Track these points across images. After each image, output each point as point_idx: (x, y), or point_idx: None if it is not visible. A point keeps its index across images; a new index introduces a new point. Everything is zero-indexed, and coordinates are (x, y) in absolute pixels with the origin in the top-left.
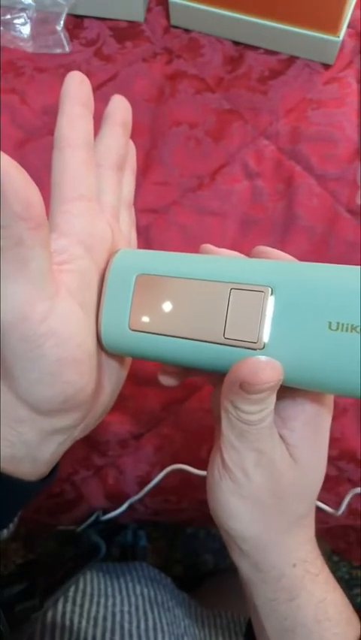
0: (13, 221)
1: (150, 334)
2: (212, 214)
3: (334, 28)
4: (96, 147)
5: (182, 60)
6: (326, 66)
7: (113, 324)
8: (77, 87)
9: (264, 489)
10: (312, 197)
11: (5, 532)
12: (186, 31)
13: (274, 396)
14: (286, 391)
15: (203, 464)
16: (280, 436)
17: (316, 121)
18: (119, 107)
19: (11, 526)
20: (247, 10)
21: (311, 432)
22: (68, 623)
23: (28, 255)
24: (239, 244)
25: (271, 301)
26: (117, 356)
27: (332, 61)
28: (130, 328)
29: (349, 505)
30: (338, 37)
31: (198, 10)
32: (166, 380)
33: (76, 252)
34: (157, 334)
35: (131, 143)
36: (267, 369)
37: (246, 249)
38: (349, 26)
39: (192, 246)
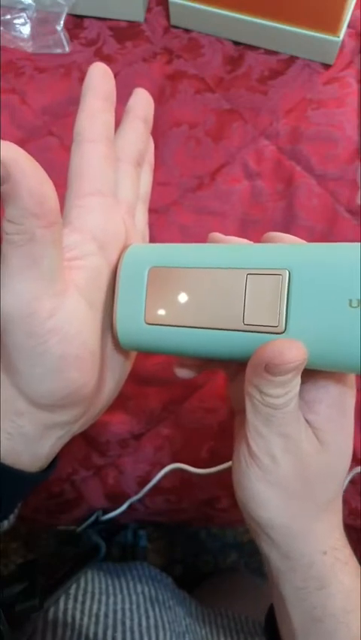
0: (27, 219)
1: (167, 327)
2: (212, 214)
3: (334, 28)
4: (116, 141)
5: (182, 60)
6: (326, 66)
7: (128, 320)
8: (99, 80)
9: (292, 474)
10: (312, 197)
11: (6, 523)
12: (186, 31)
13: (298, 378)
14: (309, 375)
15: (203, 464)
16: (306, 420)
17: (316, 121)
18: (142, 101)
19: (12, 517)
20: (247, 10)
21: (336, 413)
22: (69, 620)
23: (40, 252)
24: None
25: (289, 283)
26: (122, 354)
27: (332, 61)
28: (146, 322)
29: (349, 503)
30: (338, 37)
31: (198, 10)
32: (183, 373)
33: (88, 248)
34: (174, 326)
35: (150, 138)
36: (292, 348)
37: (248, 240)
38: (349, 26)
39: None
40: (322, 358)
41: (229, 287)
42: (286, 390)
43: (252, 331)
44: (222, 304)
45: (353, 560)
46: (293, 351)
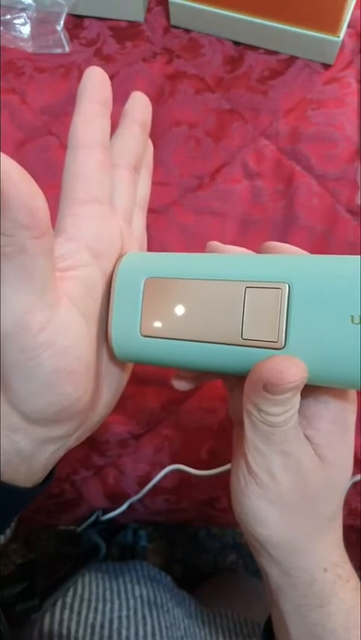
0: (17, 230)
1: (163, 339)
2: (212, 214)
3: (334, 28)
4: (113, 146)
5: (182, 60)
6: (326, 66)
7: (123, 331)
8: (95, 84)
9: (292, 491)
10: (312, 197)
11: (2, 537)
12: (186, 31)
13: (298, 396)
14: (309, 390)
15: (203, 464)
16: (306, 436)
17: (316, 121)
18: (139, 105)
19: (8, 531)
20: (247, 10)
21: (337, 430)
22: (65, 632)
23: (31, 263)
24: (239, 244)
25: (289, 298)
26: (119, 365)
27: (332, 61)
28: (142, 334)
29: (349, 503)
30: (338, 37)
31: (198, 10)
32: (181, 385)
33: (82, 258)
34: (170, 339)
35: (149, 141)
36: (291, 367)
37: (247, 249)
38: (349, 26)
39: (192, 246)
40: (322, 375)
41: (227, 300)
42: (285, 409)
43: (251, 346)
44: (220, 317)
45: (355, 576)
46: (293, 370)
